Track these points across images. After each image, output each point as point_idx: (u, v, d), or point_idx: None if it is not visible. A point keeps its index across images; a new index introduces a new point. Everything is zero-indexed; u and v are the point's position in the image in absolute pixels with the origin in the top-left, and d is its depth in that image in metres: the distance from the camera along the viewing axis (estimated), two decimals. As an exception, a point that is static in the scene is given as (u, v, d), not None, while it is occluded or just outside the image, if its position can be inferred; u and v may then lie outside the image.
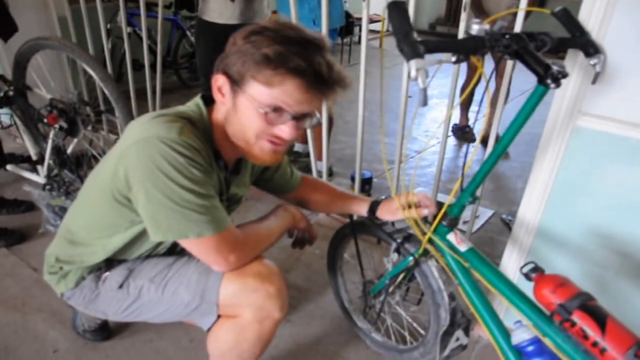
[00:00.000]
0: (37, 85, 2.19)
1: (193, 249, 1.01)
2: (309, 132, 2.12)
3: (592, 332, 0.80)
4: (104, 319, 1.48)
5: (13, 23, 2.19)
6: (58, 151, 2.11)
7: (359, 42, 5.08)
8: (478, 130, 3.47)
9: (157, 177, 0.90)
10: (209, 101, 1.05)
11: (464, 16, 1.45)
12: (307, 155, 2.54)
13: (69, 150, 2.15)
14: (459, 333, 1.20)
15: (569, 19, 1.02)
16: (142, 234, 1.05)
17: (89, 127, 2.06)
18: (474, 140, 3.37)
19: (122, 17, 2.61)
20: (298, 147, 2.93)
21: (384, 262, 1.36)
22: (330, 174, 2.73)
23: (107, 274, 1.16)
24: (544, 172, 1.26)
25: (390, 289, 1.36)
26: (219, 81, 0.97)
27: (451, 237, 1.13)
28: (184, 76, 4.39)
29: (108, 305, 1.16)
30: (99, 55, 2.90)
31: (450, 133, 3.43)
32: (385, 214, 1.29)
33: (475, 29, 0.84)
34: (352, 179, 2.41)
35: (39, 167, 2.27)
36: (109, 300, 1.15)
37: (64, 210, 1.98)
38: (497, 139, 1.07)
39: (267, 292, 1.03)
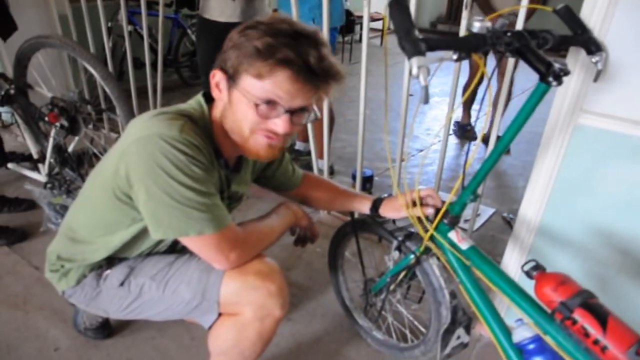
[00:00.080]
0: (38, 84, 2.19)
1: (194, 246, 1.01)
2: (310, 130, 2.12)
3: (594, 330, 0.80)
4: (105, 317, 1.49)
5: (13, 22, 2.19)
6: (59, 149, 2.11)
7: (360, 40, 5.08)
8: (480, 128, 3.47)
9: (157, 175, 0.90)
10: (211, 99, 1.05)
11: (465, 14, 1.44)
12: (308, 153, 2.54)
13: (70, 149, 2.15)
14: (460, 331, 1.20)
15: (570, 16, 1.02)
16: (144, 232, 1.05)
17: (90, 126, 2.06)
18: (475, 138, 3.36)
19: (123, 15, 2.61)
20: (299, 145, 2.93)
21: (385, 260, 1.36)
22: (332, 172, 2.73)
23: (108, 271, 1.16)
24: (546, 170, 1.26)
25: (392, 287, 1.36)
26: (216, 77, 0.98)
27: (452, 235, 1.12)
28: (185, 75, 4.39)
29: (109, 303, 1.16)
30: (99, 54, 2.91)
31: (451, 131, 3.42)
32: (388, 211, 1.28)
33: (476, 26, 0.84)
34: (353, 177, 2.41)
35: (40, 165, 2.27)
36: (110, 298, 1.15)
37: (65, 208, 1.98)
38: (499, 137, 1.07)
39: (268, 290, 1.03)
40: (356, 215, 1.42)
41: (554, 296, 0.87)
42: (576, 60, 1.11)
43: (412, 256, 1.22)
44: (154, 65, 2.71)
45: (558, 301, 0.86)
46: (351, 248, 1.54)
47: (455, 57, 0.84)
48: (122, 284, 1.13)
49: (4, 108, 2.20)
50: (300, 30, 0.91)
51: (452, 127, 3.41)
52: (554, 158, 1.23)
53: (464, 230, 1.34)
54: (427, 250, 1.20)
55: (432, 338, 1.27)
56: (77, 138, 2.06)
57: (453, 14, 7.86)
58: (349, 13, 5.34)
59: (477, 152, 2.92)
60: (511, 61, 1.51)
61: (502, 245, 1.52)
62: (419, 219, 1.17)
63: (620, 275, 1.25)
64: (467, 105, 3.42)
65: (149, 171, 0.91)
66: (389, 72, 1.41)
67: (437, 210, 1.14)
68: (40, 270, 1.80)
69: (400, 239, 1.27)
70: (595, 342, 0.80)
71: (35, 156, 2.30)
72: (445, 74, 2.22)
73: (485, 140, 2.73)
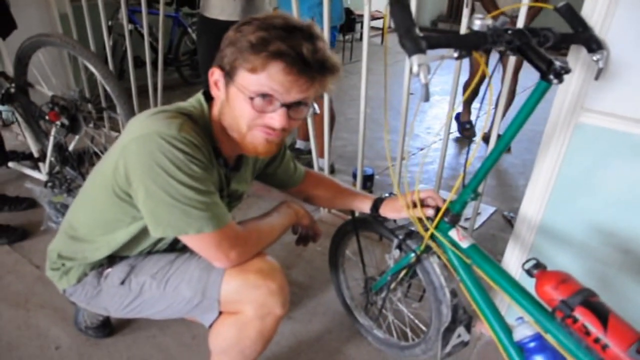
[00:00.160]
0: (39, 82, 2.19)
1: (193, 245, 1.01)
2: (310, 129, 2.12)
3: (594, 329, 0.80)
4: (105, 316, 1.49)
5: (12, 21, 2.19)
6: (60, 148, 2.11)
7: (361, 39, 5.08)
8: (481, 127, 3.46)
9: (156, 174, 0.90)
10: (211, 98, 1.05)
11: (466, 12, 1.44)
12: (309, 152, 2.54)
13: (71, 148, 2.15)
14: (461, 330, 1.20)
15: (572, 14, 1.01)
16: (144, 230, 1.05)
17: (91, 124, 2.05)
18: (474, 135, 3.36)
19: (123, 14, 2.61)
20: (300, 144, 2.93)
21: (386, 258, 1.36)
22: (332, 171, 2.73)
23: (109, 270, 1.16)
24: (546, 169, 1.26)
25: (392, 286, 1.36)
26: (215, 75, 0.98)
27: (453, 233, 1.12)
28: (185, 73, 4.39)
29: (110, 302, 1.17)
30: (100, 52, 2.90)
31: (454, 130, 3.41)
32: (389, 212, 1.28)
33: (477, 24, 0.84)
34: (354, 176, 2.41)
35: (40, 164, 2.27)
36: (110, 297, 1.16)
37: (65, 207, 1.98)
38: (499, 136, 1.06)
39: (269, 288, 1.03)
40: (357, 214, 1.42)
41: (555, 294, 0.87)
42: (577, 58, 1.10)
43: (412, 255, 1.22)
44: (154, 64, 2.70)
45: (559, 299, 0.86)
46: (352, 246, 1.54)
47: (456, 55, 0.84)
48: (122, 282, 1.13)
49: (4, 107, 2.20)
50: (294, 23, 0.92)
51: (454, 121, 3.40)
52: (555, 156, 1.23)
53: (464, 228, 1.34)
54: (428, 249, 1.20)
55: (432, 336, 1.27)
56: (77, 137, 2.06)
57: (454, 13, 7.86)
58: (349, 12, 5.35)
59: (477, 150, 2.92)
60: (513, 58, 1.51)
61: (503, 244, 1.52)
62: (419, 219, 1.16)
63: (621, 274, 1.25)
64: (468, 102, 3.41)
65: (148, 170, 0.91)
66: (390, 70, 1.41)
67: (438, 210, 1.14)
68: (41, 268, 1.80)
69: (400, 237, 1.27)
70: (596, 340, 0.80)
71: (35, 155, 2.30)
72: (446, 73, 2.22)
73: (486, 138, 2.73)
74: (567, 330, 0.86)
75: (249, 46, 0.89)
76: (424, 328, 1.43)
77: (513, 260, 1.45)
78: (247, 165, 1.20)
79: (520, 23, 1.37)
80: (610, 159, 1.16)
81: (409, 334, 1.48)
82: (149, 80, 2.73)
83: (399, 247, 1.28)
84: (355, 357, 1.51)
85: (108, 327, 1.53)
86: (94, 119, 2.08)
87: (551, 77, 0.82)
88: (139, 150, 0.92)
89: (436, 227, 1.14)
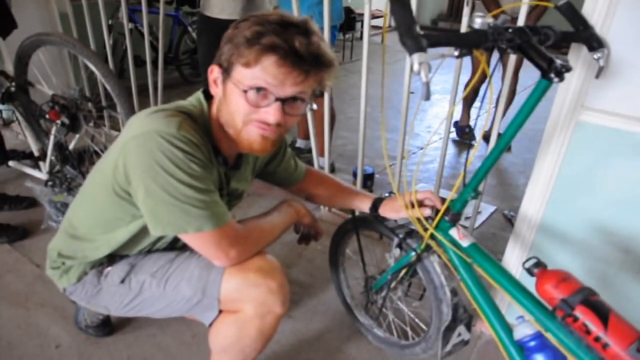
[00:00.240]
0: (39, 81, 2.19)
1: (193, 243, 1.01)
2: (310, 128, 2.12)
3: (595, 327, 0.80)
4: (106, 315, 1.49)
5: (13, 20, 2.18)
6: (60, 147, 2.11)
7: (361, 38, 5.08)
8: (480, 127, 3.46)
9: (156, 172, 0.90)
10: (211, 96, 1.05)
11: (466, 11, 1.44)
12: (309, 151, 2.54)
13: (71, 146, 2.15)
14: (461, 328, 1.20)
15: (572, 12, 1.01)
16: (144, 229, 1.05)
17: (91, 123, 2.05)
18: (473, 139, 3.34)
19: (123, 13, 2.61)
20: (300, 143, 2.93)
21: (386, 257, 1.36)
22: (332, 169, 2.73)
23: (109, 269, 1.16)
24: (547, 168, 1.26)
25: (392, 285, 1.36)
26: (214, 73, 0.98)
27: (453, 232, 1.12)
28: (185, 72, 4.39)
29: (110, 300, 1.17)
30: (100, 51, 2.90)
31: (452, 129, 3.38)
32: (388, 212, 1.28)
33: (478, 22, 0.84)
34: (354, 174, 2.41)
35: (41, 163, 2.27)
36: (110, 296, 1.16)
37: (66, 206, 1.98)
38: (500, 134, 1.06)
39: (269, 287, 1.03)
40: (357, 213, 1.42)
41: (555, 293, 0.87)
42: (578, 56, 1.10)
43: (413, 254, 1.22)
44: (154, 62, 2.70)
45: (559, 298, 0.86)
46: (352, 245, 1.53)
47: (456, 53, 0.84)
48: (122, 281, 1.13)
49: (4, 106, 2.20)
50: (290, 19, 0.92)
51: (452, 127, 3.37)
52: (555, 155, 1.23)
53: (465, 227, 1.34)
54: (428, 248, 1.20)
55: (433, 335, 1.27)
56: (77, 135, 2.06)
57: (454, 12, 7.86)
58: (350, 10, 5.35)
59: (477, 149, 2.91)
60: (514, 57, 1.51)
61: (503, 243, 1.52)
62: (418, 219, 1.16)
63: (621, 273, 1.24)
64: (468, 104, 3.38)
65: (147, 168, 0.91)
66: (390, 69, 1.41)
67: (437, 210, 1.14)
68: (42, 267, 1.80)
69: (401, 236, 1.27)
70: (597, 339, 0.80)
71: (36, 154, 2.30)
72: (446, 72, 2.22)
73: (486, 137, 2.72)
74: (567, 329, 0.86)
75: (244, 41, 0.89)
76: (424, 327, 1.43)
77: (513, 259, 1.45)
78: (247, 163, 1.20)
79: (520, 22, 1.37)
80: (611, 157, 1.15)
81: (409, 332, 1.48)
82: (149, 79, 2.73)
83: (399, 246, 1.28)
84: (356, 356, 1.51)
85: (108, 326, 1.53)
86: (94, 117, 2.08)
87: (552, 75, 0.82)
88: (138, 148, 0.92)
89: (437, 226, 1.14)
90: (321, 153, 2.32)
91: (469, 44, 0.84)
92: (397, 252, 1.30)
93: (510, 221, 2.30)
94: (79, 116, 1.98)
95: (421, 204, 1.19)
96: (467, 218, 1.97)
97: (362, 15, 2.24)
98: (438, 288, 1.20)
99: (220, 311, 1.10)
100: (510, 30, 0.84)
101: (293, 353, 1.51)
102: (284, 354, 1.50)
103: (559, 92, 1.16)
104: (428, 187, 2.63)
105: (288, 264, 1.90)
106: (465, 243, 1.10)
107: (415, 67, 0.73)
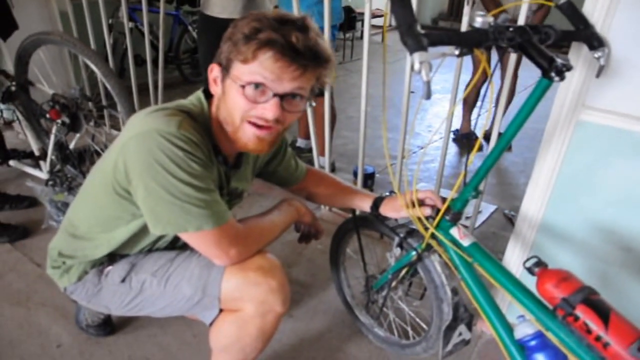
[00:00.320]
0: (39, 81, 2.19)
1: (193, 242, 1.01)
2: (311, 127, 2.12)
3: (595, 326, 0.80)
4: (107, 314, 1.49)
5: (14, 22, 2.18)
6: (60, 146, 2.11)
7: (361, 37, 5.07)
8: (481, 126, 3.45)
9: (156, 171, 0.90)
10: (211, 95, 1.05)
11: (467, 10, 1.44)
12: (310, 150, 2.54)
13: (72, 146, 2.15)
14: (462, 328, 1.20)
15: (573, 11, 1.01)
16: (144, 228, 1.05)
17: (92, 123, 2.06)
18: (476, 139, 3.29)
19: (123, 12, 2.61)
20: (300, 142, 2.93)
21: (387, 257, 1.36)
22: (333, 169, 2.73)
23: (109, 268, 1.16)
24: (547, 167, 1.25)
25: (393, 284, 1.36)
26: (214, 72, 0.98)
27: (454, 231, 1.12)
28: (186, 71, 4.39)
29: (111, 300, 1.17)
30: (100, 51, 2.90)
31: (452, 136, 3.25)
32: (388, 211, 1.28)
33: (479, 21, 0.83)
34: (355, 174, 2.41)
35: (41, 162, 2.27)
36: (111, 295, 1.16)
37: (66, 205, 1.98)
38: (500, 134, 1.06)
39: (269, 286, 1.03)
40: (358, 212, 1.42)
41: (556, 292, 0.87)
42: (578, 55, 1.10)
43: (413, 253, 1.22)
44: (155, 62, 2.70)
45: (560, 297, 0.86)
46: (353, 245, 1.53)
47: (457, 52, 0.84)
48: (123, 280, 1.13)
49: (5, 105, 2.20)
50: (287, 16, 0.92)
51: (451, 136, 3.29)
52: (556, 154, 1.22)
53: (465, 227, 1.34)
54: (429, 247, 1.19)
55: (433, 335, 1.27)
56: (78, 135, 2.06)
57: (454, 11, 7.85)
58: (350, 10, 5.34)
59: (477, 149, 2.90)
60: (513, 57, 1.51)
61: (504, 242, 1.52)
62: (419, 219, 1.16)
63: (622, 272, 1.24)
64: (469, 108, 3.24)
65: (147, 167, 0.91)
66: (391, 69, 1.41)
67: (438, 209, 1.14)
68: (42, 267, 1.80)
69: (402, 235, 1.27)
70: (597, 338, 0.80)
71: (36, 153, 2.30)
72: (447, 71, 2.21)
73: (487, 137, 2.72)
74: (568, 328, 0.86)
75: (242, 37, 0.90)
76: (425, 326, 1.43)
77: (514, 259, 1.45)
78: (248, 163, 1.20)
79: (521, 21, 1.37)
80: (611, 156, 1.15)
81: (410, 332, 1.48)
82: (150, 78, 2.73)
83: (400, 245, 1.28)
84: (356, 355, 1.51)
85: (109, 326, 1.53)
86: (95, 117, 2.08)
87: (552, 74, 0.82)
88: (138, 147, 0.92)
89: (437, 226, 1.14)
90: (322, 152, 2.32)
91: (470, 42, 0.84)
92: (397, 251, 1.30)
93: (510, 220, 2.30)
94: (80, 115, 1.98)
95: (422, 203, 1.19)
96: (467, 217, 1.97)
97: (362, 14, 2.24)
98: (439, 287, 1.20)
99: (221, 310, 1.10)
100: (511, 29, 0.84)
101: (294, 352, 1.51)
102: (284, 353, 1.51)
103: (559, 91, 1.16)
104: (429, 187, 2.63)
105: (289, 263, 1.90)
106: (465, 242, 1.10)
107: (416, 66, 0.73)
